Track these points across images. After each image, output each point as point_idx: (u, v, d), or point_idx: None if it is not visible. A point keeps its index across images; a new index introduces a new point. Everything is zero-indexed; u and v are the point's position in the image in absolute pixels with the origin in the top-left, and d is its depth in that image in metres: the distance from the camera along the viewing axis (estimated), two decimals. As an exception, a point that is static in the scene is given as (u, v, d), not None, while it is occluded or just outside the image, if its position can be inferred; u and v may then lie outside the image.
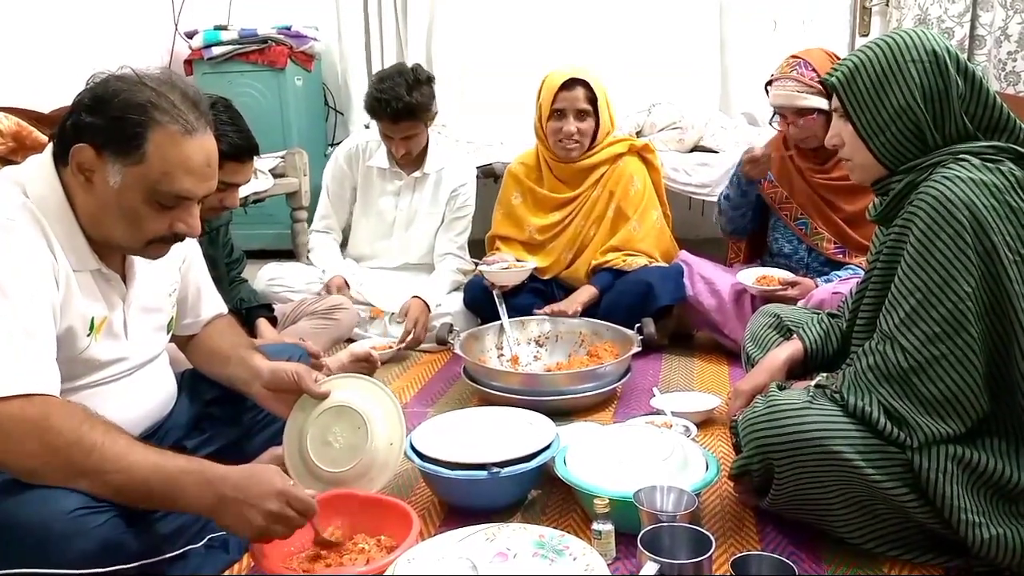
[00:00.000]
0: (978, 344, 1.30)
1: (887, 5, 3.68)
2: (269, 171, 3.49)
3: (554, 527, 1.41)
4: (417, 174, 2.92)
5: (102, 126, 1.25)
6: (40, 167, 1.32)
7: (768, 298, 2.38)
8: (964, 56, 1.44)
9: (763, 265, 2.67)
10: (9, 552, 1.14)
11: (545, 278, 2.79)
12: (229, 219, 2.37)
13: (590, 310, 2.58)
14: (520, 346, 2.49)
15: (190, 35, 4.11)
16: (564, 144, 2.64)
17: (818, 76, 2.31)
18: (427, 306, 2.72)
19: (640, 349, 2.31)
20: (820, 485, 1.39)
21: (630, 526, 1.38)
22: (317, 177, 3.14)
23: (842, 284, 2.30)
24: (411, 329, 2.65)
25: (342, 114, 4.42)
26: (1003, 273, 1.29)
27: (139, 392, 1.48)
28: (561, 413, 2.06)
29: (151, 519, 1.29)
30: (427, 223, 2.97)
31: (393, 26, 4.23)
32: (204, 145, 1.31)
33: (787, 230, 2.59)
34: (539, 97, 2.69)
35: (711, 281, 2.59)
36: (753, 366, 1.77)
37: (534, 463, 1.59)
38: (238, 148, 1.93)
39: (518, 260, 2.73)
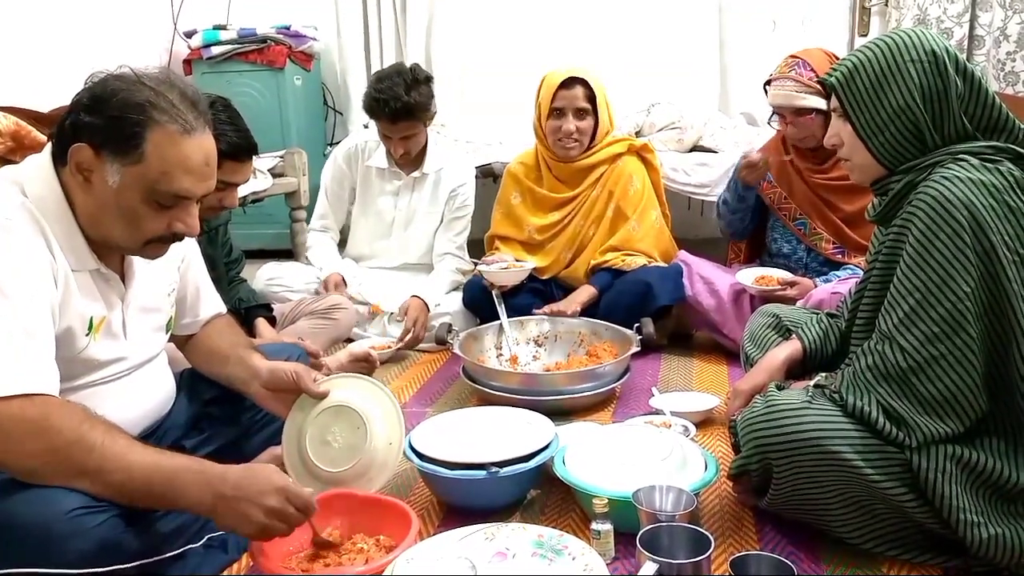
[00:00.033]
0: (977, 344, 1.30)
1: (886, 5, 3.68)
2: (268, 171, 3.48)
3: (553, 527, 1.41)
4: (416, 174, 2.91)
5: (100, 126, 1.25)
6: (39, 167, 1.32)
7: (767, 298, 2.38)
8: (963, 56, 1.44)
9: (762, 265, 2.67)
10: (8, 552, 1.14)
11: (544, 278, 2.79)
12: (228, 219, 2.37)
13: (589, 310, 2.58)
14: (519, 346, 2.49)
15: (189, 35, 4.10)
16: (563, 143, 2.64)
17: (816, 76, 2.32)
18: (426, 306, 2.72)
19: (639, 349, 2.31)
20: (819, 485, 1.39)
21: (629, 526, 1.38)
22: (316, 177, 3.14)
23: (841, 284, 2.31)
24: (410, 328, 2.65)
25: (341, 114, 4.42)
26: (1002, 273, 1.30)
27: (138, 392, 1.48)
28: (560, 413, 2.06)
29: (150, 519, 1.29)
30: (426, 223, 2.97)
31: (392, 26, 4.23)
32: (203, 145, 1.31)
33: (786, 230, 2.60)
34: (538, 96, 2.69)
35: (710, 281, 2.59)
36: (752, 366, 1.77)
37: (533, 463, 1.59)
38: (237, 147, 1.93)
39: (517, 260, 2.73)
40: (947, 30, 3.50)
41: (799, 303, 2.27)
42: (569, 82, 2.61)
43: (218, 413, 1.68)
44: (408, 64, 2.84)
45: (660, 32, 4.01)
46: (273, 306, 2.53)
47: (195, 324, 1.67)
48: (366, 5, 4.12)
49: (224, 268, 2.35)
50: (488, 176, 3.54)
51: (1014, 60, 3.46)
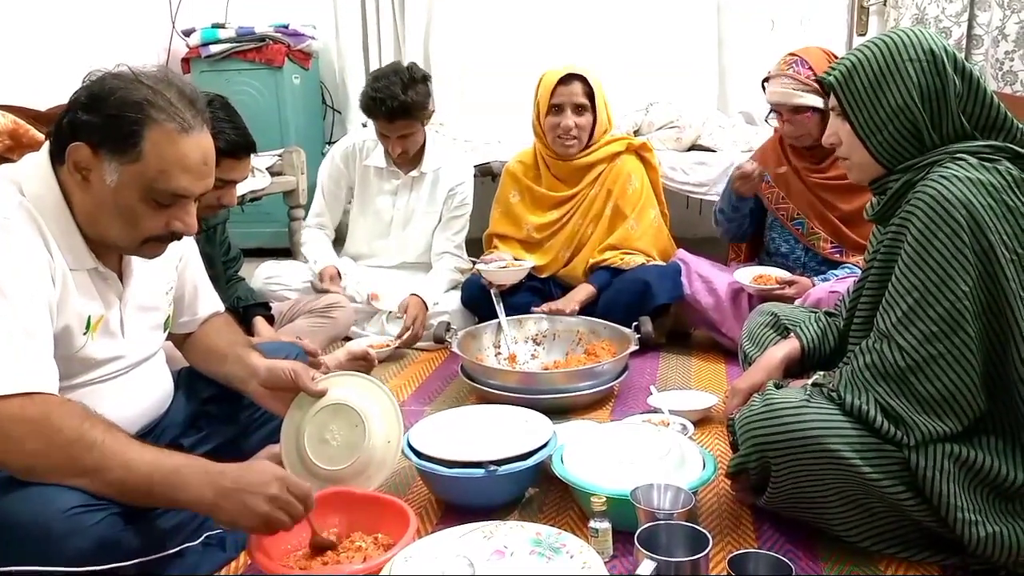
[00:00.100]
0: (975, 343, 1.31)
1: (884, 4, 3.68)
2: (266, 169, 3.49)
3: (551, 525, 1.41)
4: (414, 173, 2.91)
5: (98, 124, 1.25)
6: (36, 166, 1.32)
7: (765, 297, 2.38)
8: (961, 55, 1.44)
9: (761, 264, 2.67)
10: (6, 550, 1.14)
11: (543, 276, 2.79)
12: (226, 217, 2.37)
13: (588, 308, 2.58)
14: (518, 344, 2.49)
15: (187, 33, 4.10)
16: (562, 140, 2.65)
17: (814, 75, 2.32)
18: (425, 304, 2.72)
19: (637, 347, 2.31)
20: (817, 483, 1.39)
21: (627, 524, 1.38)
22: (314, 175, 3.15)
23: (839, 283, 2.31)
24: (409, 326, 2.65)
25: (340, 112, 4.42)
26: (1000, 272, 1.30)
27: (136, 390, 1.48)
28: (558, 411, 2.06)
29: (148, 517, 1.29)
30: (424, 222, 2.96)
31: (391, 24, 4.23)
32: (201, 143, 1.31)
33: (784, 230, 2.60)
34: (536, 94, 2.70)
35: (708, 280, 2.60)
36: (750, 364, 1.77)
37: (531, 461, 1.59)
38: (235, 145, 1.93)
39: (516, 259, 2.73)
40: (945, 29, 3.50)
41: (797, 302, 2.27)
42: (568, 78, 2.61)
43: (216, 411, 1.68)
44: (406, 63, 2.84)
45: (659, 31, 4.02)
46: (271, 305, 2.53)
47: (193, 323, 1.67)
48: (364, 4, 4.12)
49: (222, 267, 2.35)
50: (487, 175, 3.54)
51: (1012, 59, 3.47)
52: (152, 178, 1.27)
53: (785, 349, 1.70)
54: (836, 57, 2.27)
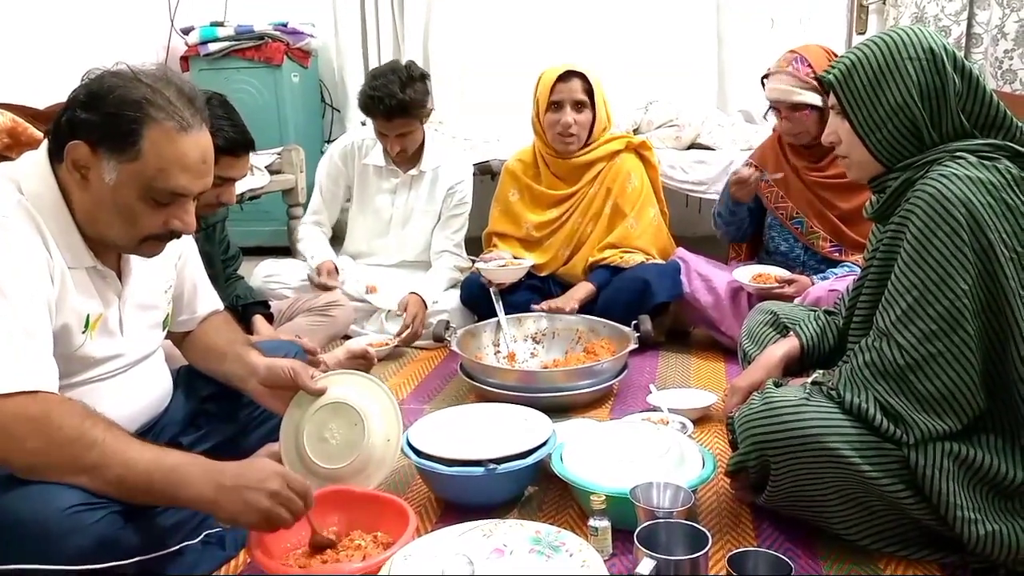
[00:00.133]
0: (974, 341, 1.31)
1: (884, 3, 3.68)
2: (265, 168, 3.48)
3: (551, 523, 1.41)
4: (413, 172, 2.91)
5: (97, 123, 1.25)
6: (35, 164, 1.32)
7: (764, 296, 2.38)
8: (961, 54, 1.44)
9: (760, 263, 2.67)
10: (6, 548, 1.14)
11: (542, 275, 2.79)
12: (225, 216, 2.37)
13: (587, 307, 2.58)
14: (517, 343, 2.49)
15: (186, 31, 4.10)
16: (562, 137, 2.64)
17: (814, 72, 2.32)
18: (424, 303, 2.72)
19: (637, 346, 2.31)
20: (816, 482, 1.39)
21: (627, 522, 1.38)
22: (313, 174, 3.15)
23: (838, 281, 2.31)
24: (409, 324, 2.65)
25: (339, 111, 4.42)
26: (999, 270, 1.30)
27: (135, 389, 1.48)
28: (558, 410, 2.06)
29: (148, 515, 1.29)
30: (423, 221, 2.96)
31: (390, 23, 4.23)
32: (200, 142, 1.31)
33: (783, 229, 2.60)
34: (536, 91, 2.70)
35: (708, 278, 2.60)
36: (750, 363, 1.77)
37: (531, 460, 1.59)
38: (233, 142, 1.93)
39: (515, 257, 2.73)
40: (945, 28, 3.50)
41: (796, 300, 2.27)
42: (567, 75, 2.61)
43: (215, 410, 1.68)
44: (405, 62, 2.84)
45: (658, 30, 4.02)
46: (270, 303, 2.53)
47: (192, 321, 1.67)
48: (364, 3, 4.12)
49: (221, 265, 2.35)
50: (486, 173, 3.54)
51: (1011, 58, 3.47)
52: (151, 177, 1.27)
53: (784, 347, 1.70)
54: (836, 55, 2.27)
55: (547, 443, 1.64)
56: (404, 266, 2.99)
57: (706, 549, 1.22)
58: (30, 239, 1.25)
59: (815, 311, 1.79)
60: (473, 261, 2.81)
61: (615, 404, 2.21)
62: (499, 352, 2.46)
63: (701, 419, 2.04)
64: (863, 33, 3.69)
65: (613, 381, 2.23)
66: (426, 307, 2.72)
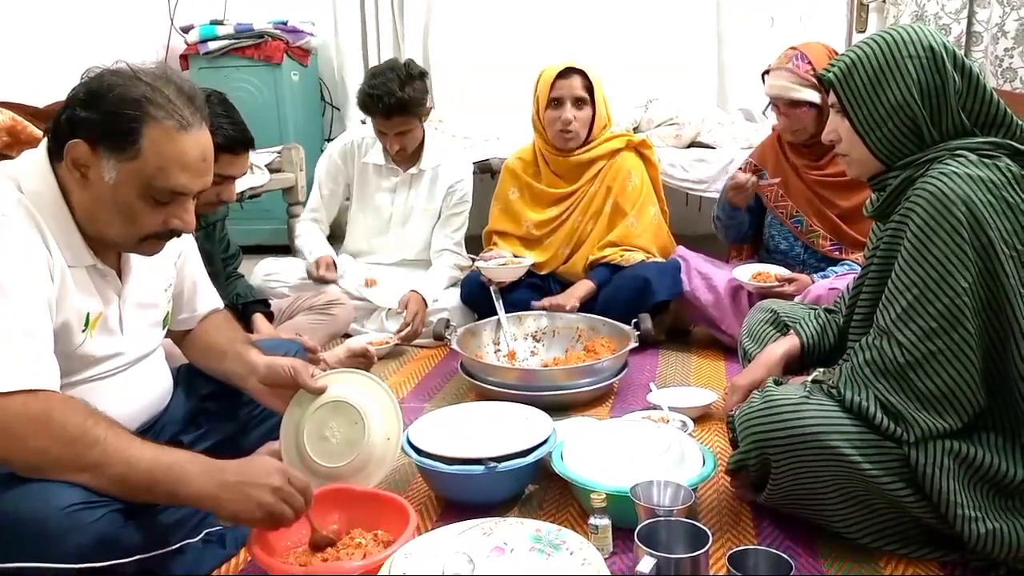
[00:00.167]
0: (975, 339, 1.31)
1: (884, 1, 3.68)
2: (265, 166, 3.48)
3: (551, 522, 1.41)
4: (413, 170, 2.91)
5: (97, 121, 1.25)
6: (35, 162, 1.31)
7: (765, 294, 2.38)
8: (961, 52, 1.44)
9: (760, 261, 2.67)
10: (5, 547, 1.14)
11: (542, 273, 2.79)
12: (225, 214, 2.37)
13: (587, 305, 2.58)
14: (517, 341, 2.49)
15: (186, 30, 4.09)
16: (562, 133, 2.64)
17: (813, 70, 2.32)
18: (424, 301, 2.72)
19: (637, 345, 2.31)
20: (817, 480, 1.39)
21: (627, 521, 1.38)
22: (313, 172, 3.15)
23: (838, 280, 2.31)
24: (410, 321, 2.65)
25: (339, 109, 4.41)
26: (1000, 269, 1.30)
27: (135, 387, 1.48)
28: (558, 408, 2.06)
29: (148, 514, 1.29)
30: (423, 219, 2.96)
31: (390, 21, 4.22)
32: (199, 140, 1.31)
33: (783, 227, 2.60)
34: (536, 89, 2.70)
35: (708, 277, 2.60)
36: (750, 361, 1.77)
37: (531, 458, 1.59)
38: (233, 140, 1.93)
39: (515, 256, 2.73)
40: (945, 26, 3.50)
41: (797, 299, 2.27)
42: (567, 72, 2.62)
43: (215, 408, 1.68)
44: (404, 60, 2.84)
45: (658, 29, 4.02)
46: (270, 302, 2.53)
47: (192, 319, 1.67)
48: (363, 1, 4.12)
49: (221, 264, 2.35)
50: (486, 172, 3.54)
51: (1012, 56, 3.46)
52: (150, 175, 1.27)
53: (785, 346, 1.69)
54: (837, 53, 2.27)
55: (547, 441, 1.64)
56: (404, 265, 2.99)
57: (706, 547, 1.23)
58: (30, 237, 1.25)
59: (815, 309, 1.79)
60: (473, 259, 2.81)
61: (615, 402, 2.21)
62: (499, 350, 2.46)
63: (701, 417, 2.04)
64: (863, 31, 3.69)
65: (613, 379, 2.23)
66: (426, 305, 2.72)
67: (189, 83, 1.34)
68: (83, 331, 1.34)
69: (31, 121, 2.54)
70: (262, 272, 2.89)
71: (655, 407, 2.04)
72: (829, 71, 1.48)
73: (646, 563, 1.20)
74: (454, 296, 2.81)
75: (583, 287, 2.62)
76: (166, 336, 1.60)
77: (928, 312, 1.32)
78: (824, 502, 1.42)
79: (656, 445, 1.57)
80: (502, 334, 2.48)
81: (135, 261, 1.45)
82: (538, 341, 2.51)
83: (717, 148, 3.48)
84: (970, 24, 3.51)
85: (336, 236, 3.13)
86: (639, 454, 1.55)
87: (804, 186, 2.51)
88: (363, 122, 3.45)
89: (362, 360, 2.32)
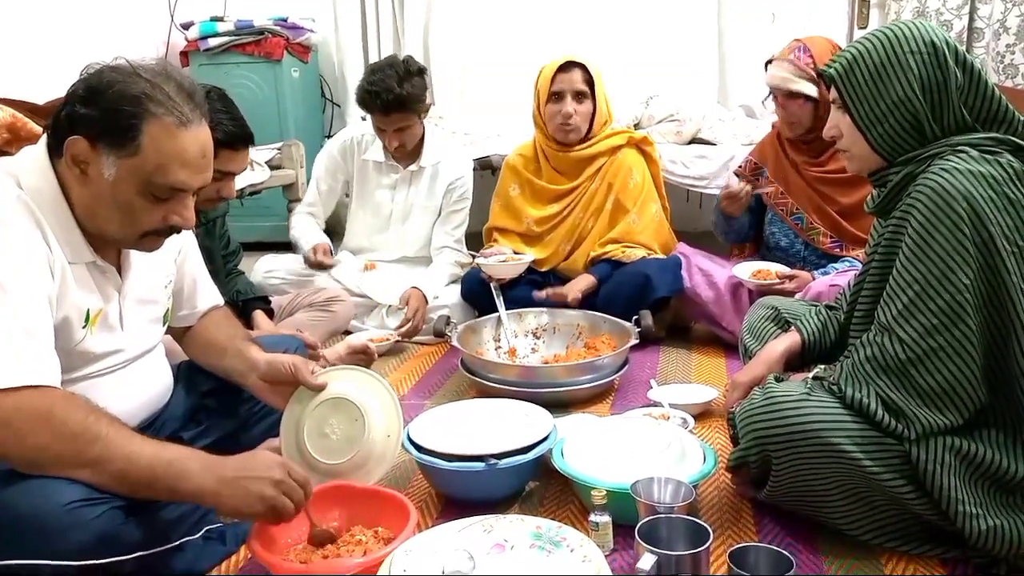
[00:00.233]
0: (976, 336, 1.30)
1: (885, -3, 3.67)
2: (265, 163, 3.48)
3: (552, 519, 1.41)
4: (413, 167, 2.90)
5: (96, 118, 1.25)
6: (34, 159, 1.31)
7: (765, 292, 2.38)
8: (962, 48, 1.44)
9: (761, 259, 2.67)
10: (6, 544, 1.14)
11: (543, 270, 2.78)
12: (226, 211, 2.37)
13: (588, 301, 2.58)
14: (518, 338, 2.49)
15: (186, 26, 4.09)
16: (563, 127, 2.64)
17: (814, 63, 2.32)
18: (425, 297, 2.72)
19: (638, 341, 2.31)
20: (818, 477, 1.39)
21: (628, 518, 1.38)
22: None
23: (839, 276, 2.30)
24: (410, 317, 2.65)
25: (339, 106, 4.41)
26: (1001, 265, 1.29)
27: (135, 384, 1.48)
28: (559, 405, 2.05)
29: (149, 511, 1.29)
30: (424, 217, 2.96)
31: (390, 18, 4.22)
32: (199, 137, 1.31)
33: (784, 225, 2.59)
34: (537, 84, 2.69)
35: (708, 273, 2.59)
36: (750, 358, 1.77)
37: (531, 455, 1.59)
38: (233, 136, 1.93)
39: (516, 252, 2.72)
40: (946, 22, 3.49)
41: (797, 296, 2.27)
42: (567, 66, 2.62)
43: (216, 405, 1.68)
44: (404, 56, 2.83)
45: (659, 25, 4.01)
46: (271, 299, 2.53)
47: (192, 316, 1.67)
48: (364, -3, 4.11)
49: (222, 260, 2.35)
50: (486, 168, 3.53)
51: (1013, 52, 3.46)
52: (150, 172, 1.27)
53: (786, 343, 1.69)
54: (841, 48, 2.27)
55: (548, 438, 1.64)
56: (404, 261, 2.99)
57: (707, 544, 1.22)
58: (30, 234, 1.25)
59: (816, 306, 1.78)
60: (473, 256, 2.81)
61: (616, 399, 2.21)
62: (500, 347, 2.46)
63: (702, 414, 2.04)
64: (864, 27, 3.68)
65: (614, 376, 2.23)
66: (426, 302, 2.72)
67: (189, 79, 1.33)
68: (83, 327, 1.34)
69: (31, 117, 2.54)
70: (262, 269, 2.89)
71: (656, 404, 2.04)
72: (830, 67, 1.48)
73: (647, 560, 1.20)
74: (454, 293, 2.80)
75: (584, 281, 2.62)
76: (166, 333, 1.60)
77: (929, 308, 1.31)
78: (825, 499, 1.41)
79: (657, 442, 1.57)
80: (503, 331, 2.48)
81: (135, 257, 1.45)
82: (538, 338, 2.51)
83: (718, 144, 3.47)
84: (971, 20, 3.50)
85: (336, 233, 3.12)
86: (640, 451, 1.55)
87: (804, 183, 2.51)
88: (363, 119, 3.45)
89: (362, 357, 2.32)
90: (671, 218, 2.86)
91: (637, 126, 3.54)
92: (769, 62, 2.46)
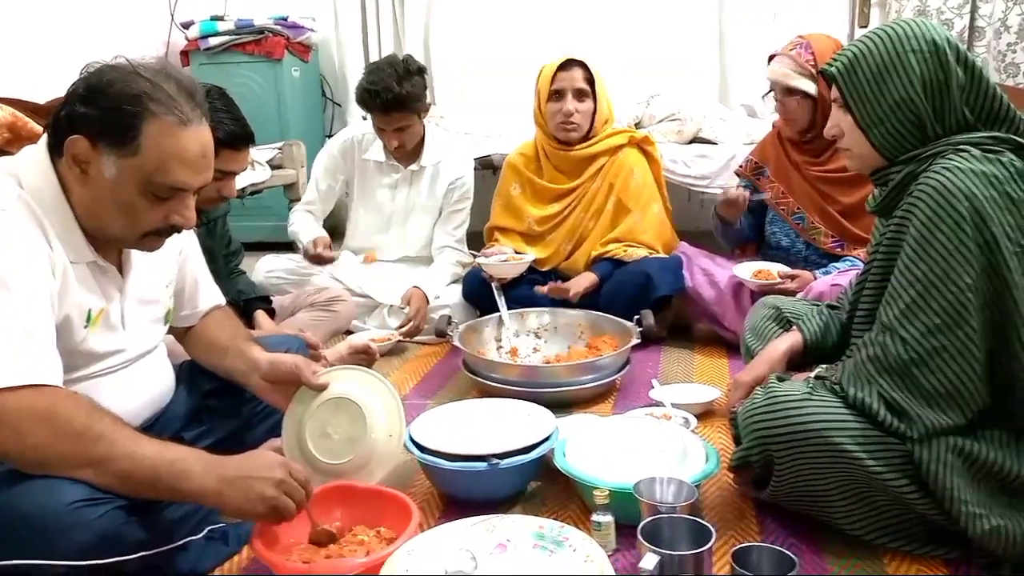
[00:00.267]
0: (978, 335, 1.30)
1: (886, -4, 3.67)
2: (266, 162, 3.48)
3: (554, 518, 1.41)
4: (414, 167, 2.90)
5: (96, 117, 1.25)
6: (35, 158, 1.31)
7: (766, 292, 2.37)
8: (964, 47, 1.43)
9: (763, 259, 2.67)
10: (8, 544, 1.13)
11: (544, 270, 2.78)
12: (227, 210, 2.37)
13: (589, 301, 2.58)
14: (519, 338, 2.49)
15: (186, 26, 4.09)
16: (564, 125, 2.64)
17: (814, 60, 2.32)
18: (426, 297, 2.72)
19: (639, 341, 2.30)
20: (820, 476, 1.39)
21: (630, 517, 1.38)
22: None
23: (841, 276, 2.30)
24: (412, 316, 2.65)
25: (339, 105, 4.41)
26: (1003, 264, 1.29)
27: (137, 384, 1.48)
28: (560, 405, 2.05)
29: (151, 511, 1.29)
30: (424, 216, 2.95)
31: (391, 17, 4.22)
32: (199, 136, 1.30)
33: (785, 224, 2.59)
34: (537, 82, 2.69)
35: (710, 273, 2.59)
36: (752, 358, 1.77)
37: (533, 455, 1.59)
38: (233, 135, 1.93)
39: (517, 252, 2.72)
40: (948, 21, 3.49)
41: (799, 295, 2.26)
42: (568, 64, 2.62)
43: (218, 405, 1.68)
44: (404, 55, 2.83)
45: (660, 24, 4.01)
46: (272, 298, 2.53)
47: (194, 316, 1.67)
48: (364, -4, 4.11)
49: (223, 260, 2.35)
50: (487, 168, 3.53)
51: (1015, 51, 3.45)
52: (151, 171, 1.27)
53: (788, 342, 1.69)
54: (843, 47, 2.27)
55: (550, 438, 1.64)
56: (405, 261, 2.99)
57: (710, 544, 1.22)
58: (31, 233, 1.25)
59: (818, 305, 1.78)
60: (474, 256, 2.80)
61: (618, 399, 2.21)
62: (501, 347, 2.46)
63: (704, 414, 2.04)
64: (865, 26, 3.67)
65: (616, 376, 2.23)
66: (428, 301, 2.72)
67: (189, 78, 1.33)
68: (85, 327, 1.34)
69: (31, 117, 2.54)
70: (264, 269, 2.89)
71: (658, 404, 2.04)
72: (831, 65, 1.47)
73: (649, 560, 1.20)
74: (456, 292, 2.80)
75: (586, 278, 2.62)
76: (168, 333, 1.60)
77: (932, 308, 1.31)
78: (828, 499, 1.41)
79: (659, 442, 1.57)
80: (504, 331, 2.47)
81: (136, 257, 1.45)
82: (540, 338, 2.51)
83: (719, 144, 3.47)
84: (973, 19, 3.50)
85: (337, 233, 3.12)
86: (642, 451, 1.55)
87: (805, 182, 2.51)
88: (364, 118, 3.44)
89: (364, 357, 2.32)
90: (672, 217, 2.86)
91: (638, 125, 3.54)
92: (772, 57, 2.46)
